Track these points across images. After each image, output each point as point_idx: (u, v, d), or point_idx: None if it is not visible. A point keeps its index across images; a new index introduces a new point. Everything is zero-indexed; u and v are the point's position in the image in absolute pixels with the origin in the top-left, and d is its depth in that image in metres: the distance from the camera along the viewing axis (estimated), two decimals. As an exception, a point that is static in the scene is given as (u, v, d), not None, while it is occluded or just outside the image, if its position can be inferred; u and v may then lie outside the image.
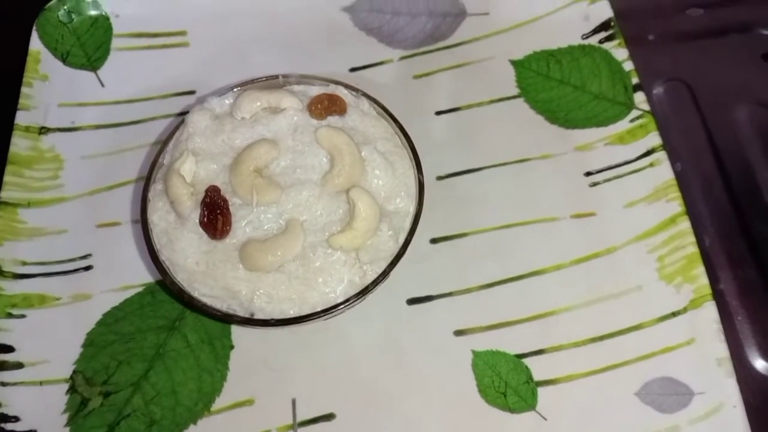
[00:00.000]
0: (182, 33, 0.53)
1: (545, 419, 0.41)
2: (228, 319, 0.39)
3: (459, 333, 0.43)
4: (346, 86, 0.44)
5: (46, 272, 0.45)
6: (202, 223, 0.38)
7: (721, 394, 0.40)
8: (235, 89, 0.44)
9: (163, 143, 0.43)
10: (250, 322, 0.38)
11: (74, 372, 0.42)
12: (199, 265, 0.39)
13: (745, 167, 0.52)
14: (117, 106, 0.51)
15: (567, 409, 0.41)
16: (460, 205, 0.47)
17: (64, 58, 0.51)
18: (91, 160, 0.49)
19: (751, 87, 0.55)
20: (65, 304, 0.44)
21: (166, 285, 0.40)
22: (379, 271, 0.39)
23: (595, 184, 0.48)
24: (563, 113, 0.50)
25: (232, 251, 0.39)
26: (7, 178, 0.46)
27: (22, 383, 0.42)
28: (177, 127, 0.43)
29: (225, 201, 0.39)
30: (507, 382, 0.42)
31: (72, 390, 0.42)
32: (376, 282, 0.39)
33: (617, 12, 0.52)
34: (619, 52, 0.51)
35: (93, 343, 0.43)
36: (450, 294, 0.44)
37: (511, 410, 0.41)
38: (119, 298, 0.44)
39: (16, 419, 0.41)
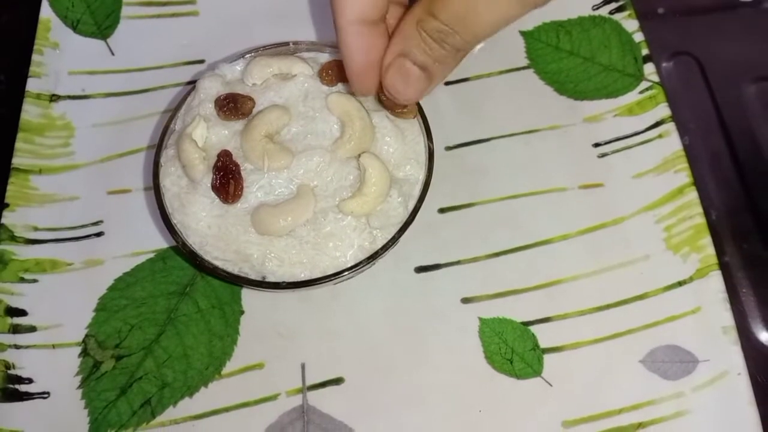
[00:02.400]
0: (191, 1, 0.53)
1: (551, 385, 0.42)
2: (239, 281, 0.39)
3: (466, 300, 0.44)
4: (357, 54, 0.44)
5: (58, 238, 0.45)
6: (214, 187, 0.39)
7: (725, 361, 0.41)
8: (246, 56, 0.44)
9: (174, 109, 0.43)
10: (261, 284, 0.39)
11: (86, 336, 0.43)
12: (211, 229, 0.39)
13: (753, 142, 0.52)
14: (127, 75, 0.51)
15: (572, 375, 0.42)
16: (469, 175, 0.48)
17: (75, 26, 0.52)
18: (102, 127, 0.49)
19: (760, 62, 0.55)
20: (77, 269, 0.45)
21: (178, 249, 0.41)
22: (389, 236, 0.39)
23: (603, 155, 0.48)
24: (572, 84, 0.50)
25: (243, 215, 0.39)
26: (18, 144, 0.47)
27: (35, 346, 0.42)
28: (188, 94, 0.43)
29: (237, 165, 0.39)
30: (513, 348, 0.42)
31: (84, 353, 0.42)
32: (385, 247, 0.39)
33: (627, -16, 0.52)
34: (630, 23, 0.51)
35: (105, 307, 0.44)
36: (458, 262, 0.45)
37: (518, 376, 0.42)
38: (130, 264, 0.45)
39: (29, 381, 0.41)
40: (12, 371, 0.41)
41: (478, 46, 0.33)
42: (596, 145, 0.48)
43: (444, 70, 0.34)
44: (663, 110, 0.48)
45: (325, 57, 0.44)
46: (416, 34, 0.32)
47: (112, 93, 0.50)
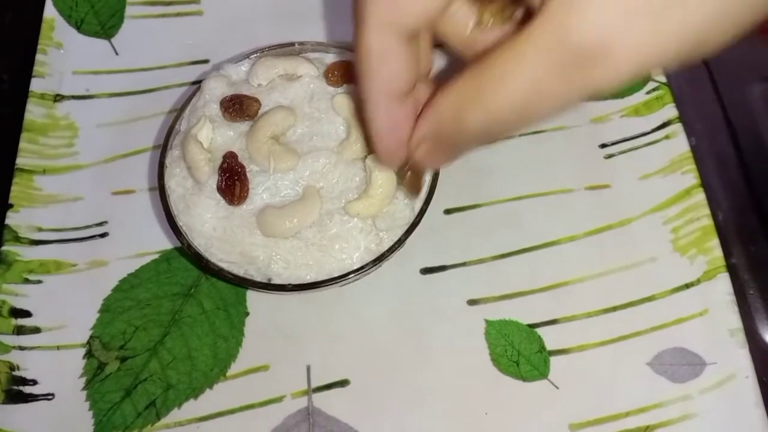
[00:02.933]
0: (195, 1, 0.53)
1: (557, 388, 0.42)
2: (245, 283, 0.39)
3: (472, 302, 0.44)
4: (363, 54, 0.43)
5: (62, 239, 0.45)
6: (219, 189, 0.39)
7: (733, 364, 0.41)
8: (251, 56, 0.44)
9: (179, 110, 0.42)
10: (267, 286, 0.38)
11: (91, 337, 0.43)
12: (217, 231, 0.39)
13: (760, 143, 0.52)
14: (131, 75, 0.50)
15: (579, 378, 0.42)
16: (474, 176, 0.47)
17: (78, 26, 0.51)
18: (106, 128, 0.49)
19: (767, 62, 0.54)
20: (81, 270, 0.44)
21: (183, 251, 0.40)
22: (395, 238, 0.39)
23: (610, 156, 0.48)
24: (579, 85, 0.50)
25: (249, 217, 0.39)
26: (22, 145, 0.47)
27: (39, 347, 0.42)
28: (193, 94, 0.43)
29: (242, 167, 0.39)
30: (520, 351, 0.42)
31: (89, 355, 0.42)
32: (392, 249, 0.39)
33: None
34: (637, 23, 0.50)
35: (109, 309, 0.43)
36: (463, 264, 0.45)
37: (524, 379, 0.42)
38: (135, 265, 0.45)
39: (34, 382, 0.41)
40: (16, 372, 0.41)
41: None
42: (603, 145, 0.48)
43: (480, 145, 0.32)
44: (670, 111, 0.48)
45: (330, 58, 0.43)
46: (458, 115, 0.29)
47: (116, 93, 0.50)
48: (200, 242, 0.39)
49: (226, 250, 0.39)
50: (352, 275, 0.39)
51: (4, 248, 0.44)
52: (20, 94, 0.48)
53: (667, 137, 0.47)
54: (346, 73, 0.42)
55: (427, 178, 0.41)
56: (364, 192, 0.39)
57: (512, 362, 0.42)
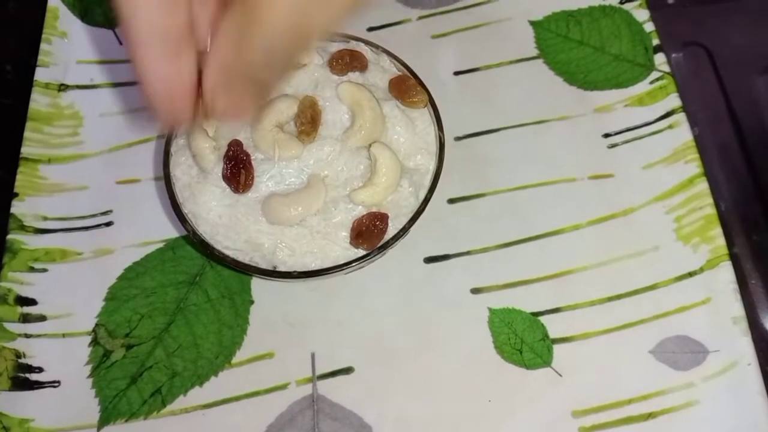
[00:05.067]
0: (200, -9, 0.53)
1: (560, 375, 0.42)
2: (250, 270, 0.39)
3: (476, 291, 0.44)
4: (367, 43, 0.44)
5: (68, 227, 0.45)
6: (225, 177, 0.39)
7: (735, 352, 0.41)
8: (255, 45, 0.44)
9: (184, 98, 0.43)
10: (273, 273, 0.39)
11: (96, 325, 0.43)
12: (222, 218, 0.39)
13: (763, 133, 0.52)
14: (135, 64, 0.51)
15: (582, 366, 0.42)
16: (478, 165, 0.47)
17: (83, 16, 0.51)
18: (110, 117, 0.49)
19: (770, 52, 0.54)
20: (87, 258, 0.45)
21: (188, 239, 0.40)
22: (400, 226, 0.39)
23: (613, 146, 0.48)
24: (582, 75, 0.50)
25: (254, 205, 0.39)
26: (27, 134, 0.47)
27: (45, 335, 0.42)
28: (198, 83, 0.43)
29: (247, 155, 0.39)
30: (523, 339, 0.42)
31: (94, 342, 0.42)
32: (396, 237, 0.39)
33: (637, -26, 0.52)
34: (640, 13, 0.51)
35: (115, 297, 0.44)
36: (467, 253, 0.45)
37: (527, 367, 0.42)
38: (140, 254, 0.45)
39: (40, 370, 0.42)
40: (22, 360, 0.41)
41: None
42: (606, 135, 0.48)
43: (278, 77, 0.29)
44: (673, 100, 0.48)
45: (334, 46, 0.43)
46: (239, 48, 0.27)
47: (121, 83, 0.50)
48: (206, 230, 0.40)
49: (232, 237, 0.39)
50: (357, 263, 0.39)
51: (9, 237, 0.44)
52: (24, 84, 0.48)
53: (670, 127, 0.47)
54: (351, 62, 0.42)
55: (432, 168, 0.41)
56: (369, 180, 0.39)
57: (515, 350, 0.42)
